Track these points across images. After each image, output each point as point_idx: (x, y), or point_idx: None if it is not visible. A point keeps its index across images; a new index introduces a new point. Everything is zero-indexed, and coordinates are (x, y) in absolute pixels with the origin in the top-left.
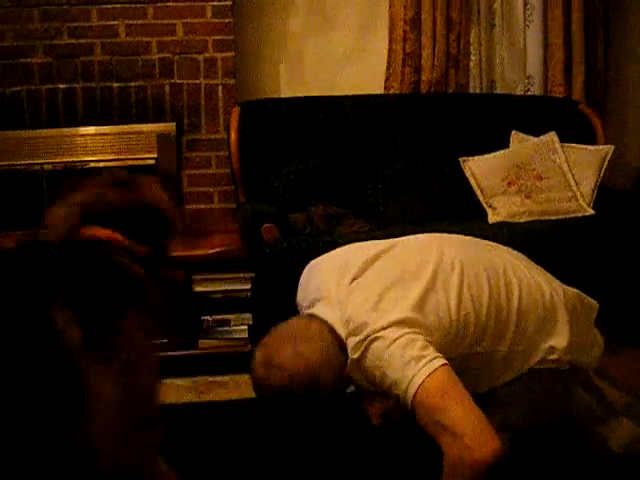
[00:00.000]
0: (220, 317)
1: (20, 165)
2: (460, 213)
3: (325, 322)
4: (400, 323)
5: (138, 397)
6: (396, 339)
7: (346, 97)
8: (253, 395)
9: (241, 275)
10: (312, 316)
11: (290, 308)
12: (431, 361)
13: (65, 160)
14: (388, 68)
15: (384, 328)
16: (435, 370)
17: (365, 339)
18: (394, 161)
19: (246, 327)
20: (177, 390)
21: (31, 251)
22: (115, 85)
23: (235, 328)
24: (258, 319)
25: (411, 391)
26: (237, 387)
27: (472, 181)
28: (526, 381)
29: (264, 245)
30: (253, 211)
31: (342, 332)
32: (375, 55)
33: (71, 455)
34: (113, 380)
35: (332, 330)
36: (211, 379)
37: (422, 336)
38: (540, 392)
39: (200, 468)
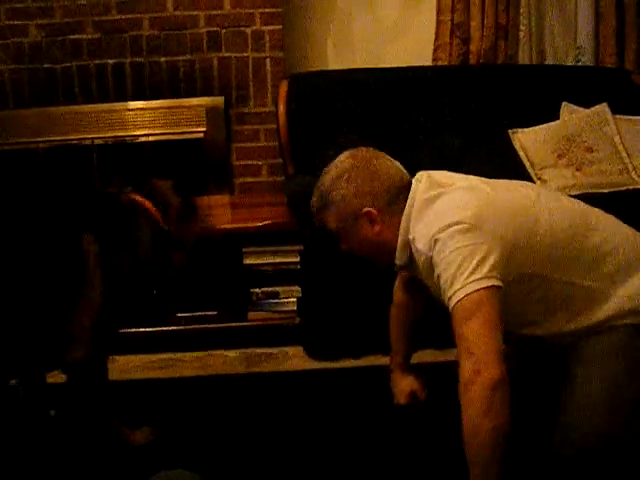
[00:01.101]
0: (269, 290)
1: (71, 140)
2: None
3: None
4: (469, 227)
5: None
6: (459, 247)
7: (394, 69)
8: (303, 367)
9: (290, 248)
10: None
11: (339, 280)
12: (481, 279)
13: (115, 134)
14: (436, 39)
15: (453, 225)
16: (479, 289)
17: (434, 235)
18: (442, 133)
19: (295, 300)
20: (227, 362)
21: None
22: (163, 59)
23: (284, 300)
24: (307, 292)
25: (453, 301)
26: (286, 359)
27: (521, 153)
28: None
29: (312, 218)
30: (302, 184)
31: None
32: (423, 26)
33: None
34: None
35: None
36: (260, 351)
37: (486, 246)
38: None
39: (249, 438)
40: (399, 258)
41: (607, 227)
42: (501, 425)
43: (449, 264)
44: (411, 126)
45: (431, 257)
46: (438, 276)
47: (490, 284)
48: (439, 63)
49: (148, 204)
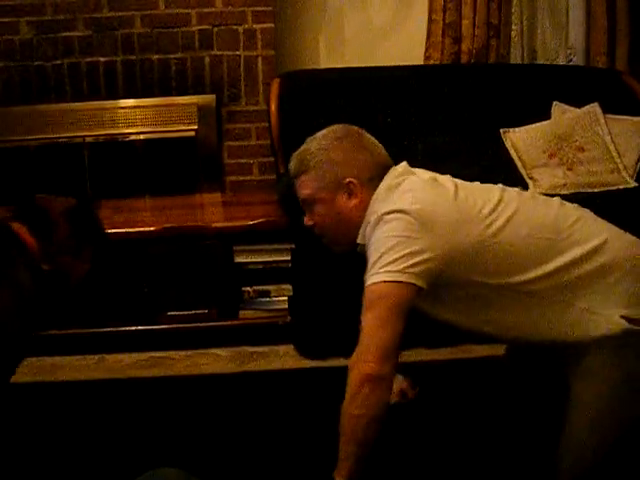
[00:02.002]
0: (260, 288)
1: (62, 137)
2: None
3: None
4: (411, 219)
5: None
6: (391, 235)
7: (385, 68)
8: (294, 366)
9: (281, 246)
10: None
11: (330, 279)
12: (394, 272)
13: (106, 132)
14: (428, 38)
15: (396, 212)
16: (388, 282)
17: (379, 217)
18: (433, 132)
19: (286, 298)
20: (218, 360)
21: None
22: (155, 57)
23: (275, 299)
24: (298, 290)
25: (365, 284)
26: (277, 357)
27: (513, 153)
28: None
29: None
30: (293, 183)
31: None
32: (415, 25)
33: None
34: None
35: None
36: (251, 350)
37: (420, 242)
38: None
39: (240, 437)
40: (360, 236)
41: (583, 235)
42: (362, 416)
43: (376, 248)
44: (402, 125)
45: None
46: (368, 257)
47: (402, 280)
48: (431, 62)
49: (26, 235)
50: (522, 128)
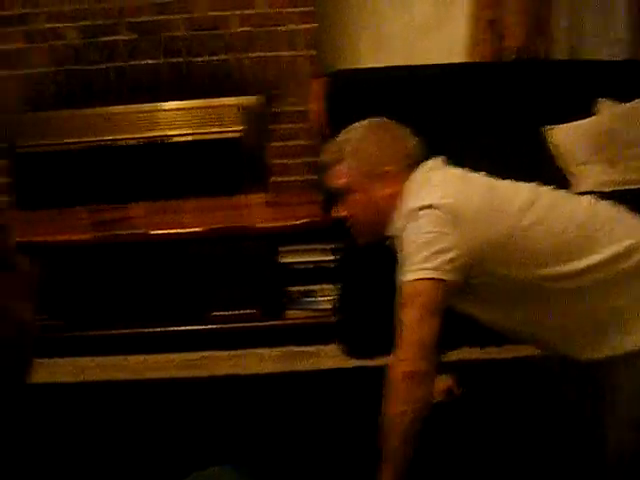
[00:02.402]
0: (306, 288)
1: (107, 140)
2: (544, 183)
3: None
4: (443, 215)
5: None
6: (424, 232)
7: (427, 66)
8: (339, 365)
9: (326, 246)
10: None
11: (375, 278)
12: (429, 270)
13: (151, 135)
14: (470, 36)
15: (428, 208)
16: (424, 279)
17: (409, 212)
18: (476, 130)
19: (332, 298)
20: (264, 360)
21: None
22: (198, 60)
23: (321, 299)
24: (344, 290)
25: (400, 282)
26: (323, 357)
27: (556, 150)
28: None
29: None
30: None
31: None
32: (457, 22)
33: None
34: None
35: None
36: (297, 349)
37: (451, 239)
38: None
39: (285, 437)
40: (391, 228)
41: (617, 233)
42: (402, 413)
43: (408, 245)
44: (445, 123)
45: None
46: (400, 254)
47: (437, 276)
48: (474, 59)
49: None
50: (566, 125)
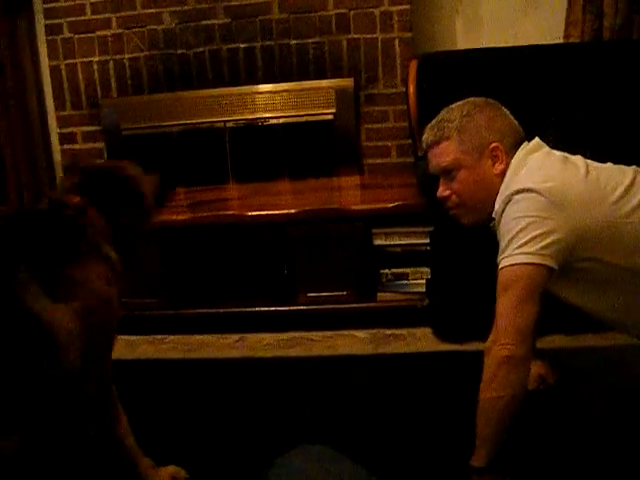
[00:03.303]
0: (398, 271)
1: (204, 123)
2: None
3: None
4: (542, 199)
5: (95, 329)
6: (524, 216)
7: (524, 47)
8: (431, 349)
9: (420, 229)
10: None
11: (468, 262)
12: (530, 254)
13: (246, 117)
14: (568, 16)
15: (527, 191)
16: (524, 263)
17: (509, 195)
18: (574, 112)
19: (424, 281)
20: (356, 342)
21: (10, 222)
22: (293, 42)
23: (413, 282)
24: (436, 273)
25: (499, 266)
26: (414, 341)
27: None
28: None
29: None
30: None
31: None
32: (554, 2)
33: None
34: (72, 318)
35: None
36: (389, 332)
37: (551, 223)
38: None
39: (376, 418)
40: (495, 209)
41: None
42: (500, 398)
43: (508, 230)
44: (542, 105)
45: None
46: (500, 238)
47: (537, 261)
48: (571, 40)
49: (100, 221)
50: None
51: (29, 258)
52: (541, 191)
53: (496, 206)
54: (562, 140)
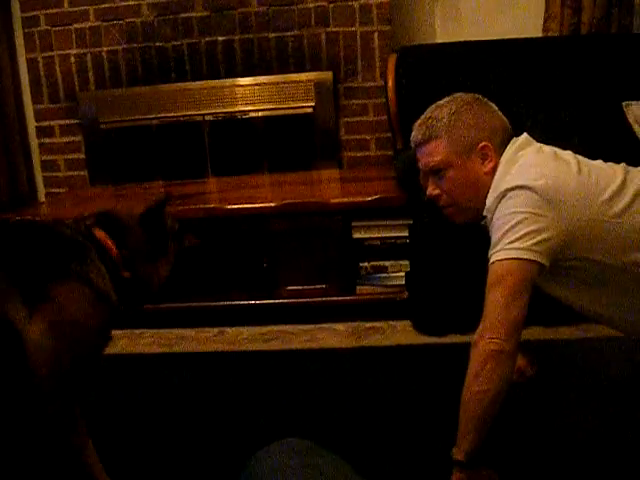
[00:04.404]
0: (377, 264)
1: (183, 116)
2: (622, 161)
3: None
4: (536, 196)
5: (67, 352)
6: (517, 212)
7: (503, 41)
8: (411, 342)
9: (399, 222)
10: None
11: (447, 255)
12: (521, 250)
13: (225, 110)
14: (546, 10)
15: (521, 188)
16: (515, 259)
17: (502, 192)
18: (553, 106)
19: (403, 274)
20: (335, 335)
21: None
22: (272, 35)
23: (392, 275)
24: (415, 266)
25: (490, 260)
26: (394, 333)
27: (636, 127)
28: None
29: (422, 192)
30: (411, 158)
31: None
32: None
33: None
34: (45, 333)
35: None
36: (368, 325)
37: (544, 220)
38: None
39: (356, 411)
40: (487, 207)
41: None
42: (485, 392)
43: (501, 225)
44: (521, 99)
45: (494, 213)
46: (491, 233)
47: (528, 257)
48: (550, 34)
49: (107, 241)
50: None
51: (15, 266)
52: (534, 188)
53: (488, 203)
54: (540, 133)
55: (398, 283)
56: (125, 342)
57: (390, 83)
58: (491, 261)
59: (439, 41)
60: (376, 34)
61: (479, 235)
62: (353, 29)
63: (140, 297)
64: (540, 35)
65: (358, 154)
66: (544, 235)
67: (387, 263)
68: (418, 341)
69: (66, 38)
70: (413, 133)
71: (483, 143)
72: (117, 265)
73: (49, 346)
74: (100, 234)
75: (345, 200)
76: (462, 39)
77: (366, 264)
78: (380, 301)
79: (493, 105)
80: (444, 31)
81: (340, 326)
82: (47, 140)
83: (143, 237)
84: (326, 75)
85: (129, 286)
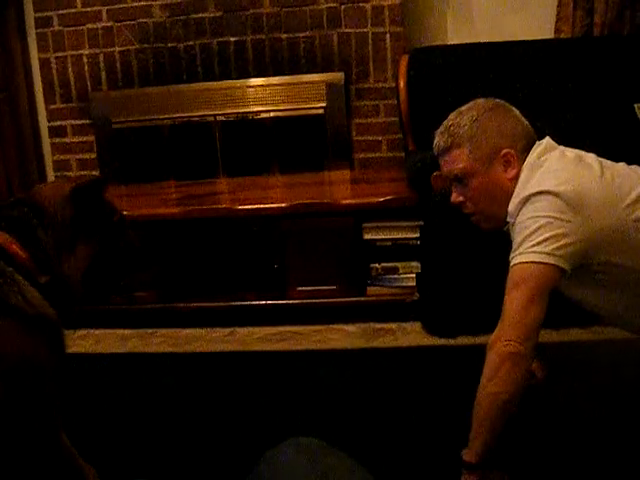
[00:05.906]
0: (388, 265)
1: (194, 116)
2: (635, 162)
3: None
4: (560, 201)
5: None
6: (540, 216)
7: (515, 42)
8: (421, 343)
9: (410, 223)
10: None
11: (458, 256)
12: (542, 254)
13: (236, 111)
14: (558, 11)
15: (545, 193)
16: (535, 262)
17: (525, 197)
18: (565, 108)
19: (414, 275)
20: (346, 336)
21: None
22: (284, 36)
23: (403, 276)
24: (426, 268)
25: (511, 263)
26: (404, 335)
27: None
28: None
29: (433, 193)
30: (422, 159)
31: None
32: None
33: None
34: None
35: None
36: (378, 326)
37: (567, 225)
38: None
39: (365, 411)
40: (509, 212)
41: None
42: (500, 394)
43: (523, 229)
44: (533, 101)
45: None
46: (513, 237)
47: (550, 262)
48: (561, 35)
49: (13, 246)
50: None
51: None
52: (558, 193)
53: (510, 208)
54: (552, 135)
55: (409, 284)
56: (136, 341)
57: (402, 84)
58: (512, 264)
59: (451, 42)
60: (388, 35)
61: (490, 237)
62: (365, 30)
63: (65, 301)
64: (552, 37)
65: (369, 155)
66: (566, 240)
67: (398, 264)
68: (428, 343)
69: (79, 38)
70: (435, 140)
71: (505, 150)
72: (29, 271)
73: None
74: (4, 239)
75: (356, 201)
76: (474, 41)
77: (377, 265)
78: (390, 302)
79: (515, 110)
80: (455, 33)
81: (350, 327)
82: (59, 140)
83: (67, 221)
84: (338, 76)
85: (48, 291)
